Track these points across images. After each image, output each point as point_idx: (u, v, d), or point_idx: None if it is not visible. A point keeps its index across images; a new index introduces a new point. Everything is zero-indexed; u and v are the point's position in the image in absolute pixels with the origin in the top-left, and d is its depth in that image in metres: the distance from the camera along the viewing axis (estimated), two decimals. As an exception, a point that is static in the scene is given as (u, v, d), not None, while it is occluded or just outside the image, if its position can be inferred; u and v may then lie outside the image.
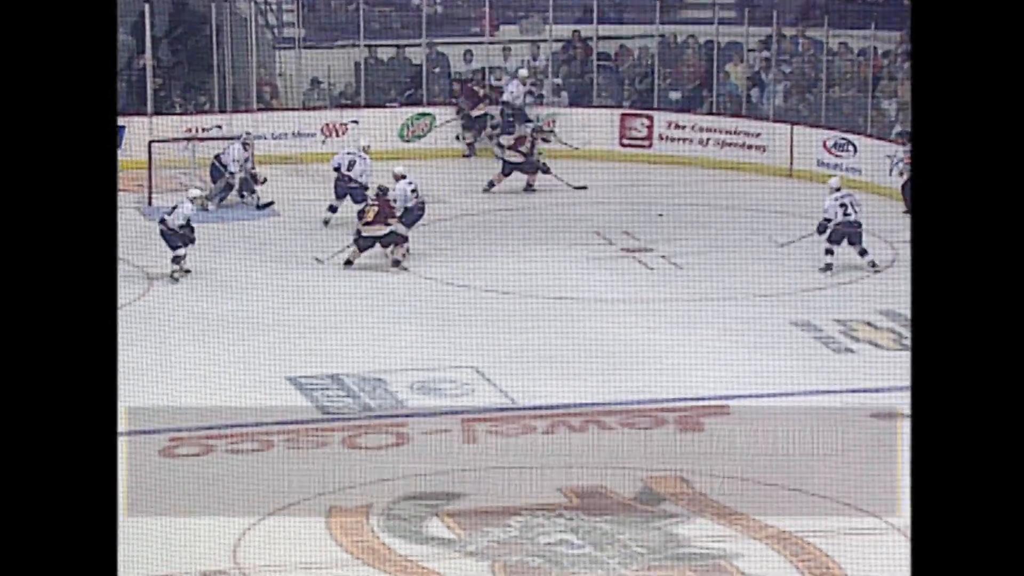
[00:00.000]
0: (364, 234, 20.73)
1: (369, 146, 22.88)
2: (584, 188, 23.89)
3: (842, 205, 20.74)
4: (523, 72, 23.36)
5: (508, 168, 23.95)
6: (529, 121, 25.12)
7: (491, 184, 24.01)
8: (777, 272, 20.58)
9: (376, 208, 20.77)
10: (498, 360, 18.05)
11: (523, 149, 24.03)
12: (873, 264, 20.77)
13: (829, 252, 20.63)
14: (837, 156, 24.63)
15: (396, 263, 20.65)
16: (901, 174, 23.22)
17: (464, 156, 25.64)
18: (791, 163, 24.91)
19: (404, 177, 21.35)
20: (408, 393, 17.39)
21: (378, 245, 20.72)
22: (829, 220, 20.64)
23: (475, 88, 25.90)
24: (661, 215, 22.18)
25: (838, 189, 21.00)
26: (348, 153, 22.71)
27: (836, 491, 14.94)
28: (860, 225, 20.71)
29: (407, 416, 16.87)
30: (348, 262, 20.78)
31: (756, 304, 19.58)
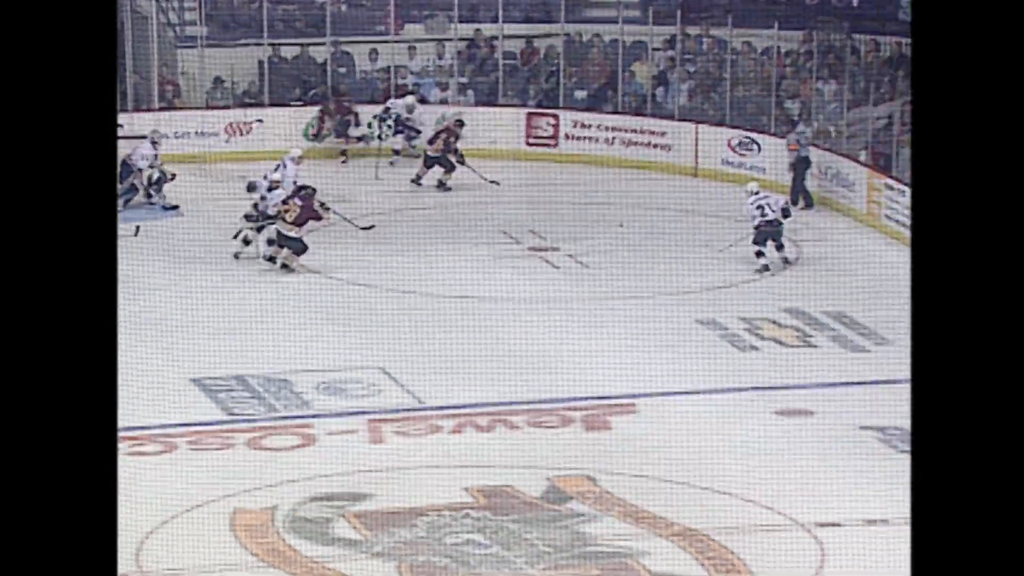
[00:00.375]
0: (285, 233, 20.61)
1: (302, 157, 22.89)
2: (497, 183, 23.94)
3: (759, 207, 20.94)
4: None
5: (430, 161, 24.17)
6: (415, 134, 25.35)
7: (418, 177, 24.24)
8: (683, 271, 20.69)
9: (300, 208, 20.64)
10: (404, 360, 18.04)
11: (439, 144, 24.13)
12: (786, 260, 20.97)
13: (759, 254, 20.81)
14: (741, 155, 24.80)
15: (285, 267, 20.56)
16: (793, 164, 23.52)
17: (342, 162, 25.54)
18: (696, 162, 25.05)
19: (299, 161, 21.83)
20: (314, 394, 17.34)
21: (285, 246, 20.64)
22: (755, 224, 20.85)
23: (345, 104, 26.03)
24: (622, 225, 22.14)
25: (756, 192, 21.18)
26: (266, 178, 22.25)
27: (741, 488, 15.04)
28: (780, 224, 20.93)
29: (313, 417, 16.82)
30: (270, 259, 20.74)
31: (662, 303, 19.68)
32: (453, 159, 24.08)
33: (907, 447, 15.93)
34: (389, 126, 25.31)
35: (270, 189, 21.35)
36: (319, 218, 20.83)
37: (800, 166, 23.31)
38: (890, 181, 22.56)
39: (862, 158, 23.34)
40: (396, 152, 25.28)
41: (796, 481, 15.17)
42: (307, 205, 20.68)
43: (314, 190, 20.97)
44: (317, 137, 25.80)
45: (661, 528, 14.39)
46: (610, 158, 25.43)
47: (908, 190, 22.17)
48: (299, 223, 20.58)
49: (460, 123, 24.60)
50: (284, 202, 20.95)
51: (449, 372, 17.63)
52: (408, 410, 16.98)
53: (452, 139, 24.27)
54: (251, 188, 21.47)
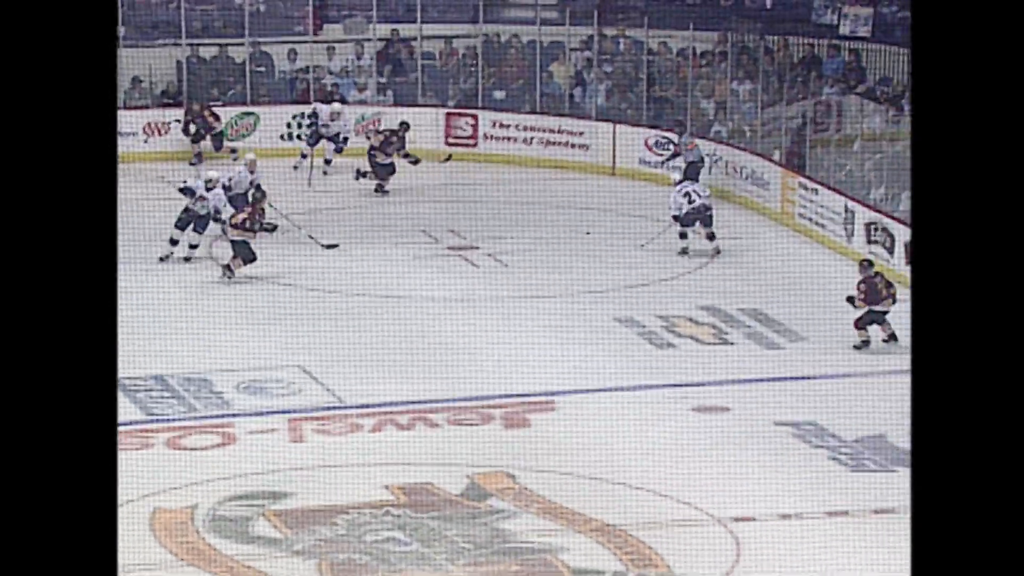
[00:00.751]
0: (234, 239, 20.21)
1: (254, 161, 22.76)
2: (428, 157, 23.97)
3: (685, 194, 21.18)
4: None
5: (383, 170, 23.99)
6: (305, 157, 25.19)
7: (380, 187, 24.00)
8: (600, 269, 20.78)
9: (248, 212, 20.40)
10: (325, 359, 18.01)
11: (388, 150, 23.95)
12: (717, 251, 21.14)
13: (683, 236, 21.08)
14: (658, 154, 24.91)
15: (228, 269, 20.41)
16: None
17: (192, 164, 25.34)
18: (613, 161, 25.14)
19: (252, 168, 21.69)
20: (234, 393, 17.29)
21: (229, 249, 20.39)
22: (677, 215, 21.07)
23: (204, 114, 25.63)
24: (588, 233, 22.13)
25: (680, 181, 21.48)
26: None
27: (658, 484, 15.12)
28: (710, 208, 21.15)
29: (233, 416, 16.76)
30: (228, 268, 20.36)
31: (580, 301, 19.75)
32: (408, 162, 23.90)
33: (820, 442, 16.11)
34: (311, 129, 25.11)
35: (208, 189, 21.14)
36: (272, 229, 20.54)
37: (691, 169, 23.26)
38: (803, 180, 22.72)
39: (776, 157, 23.50)
40: (328, 162, 24.99)
41: (712, 477, 15.27)
42: (258, 211, 20.45)
43: (264, 194, 20.83)
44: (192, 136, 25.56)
45: (579, 524, 14.44)
46: (529, 158, 25.48)
47: (820, 188, 22.36)
48: (251, 230, 20.31)
49: (405, 125, 24.44)
50: (237, 207, 20.76)
51: (369, 371, 17.62)
52: (328, 409, 16.96)
53: (399, 142, 24.09)
54: (187, 192, 21.12)
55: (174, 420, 16.52)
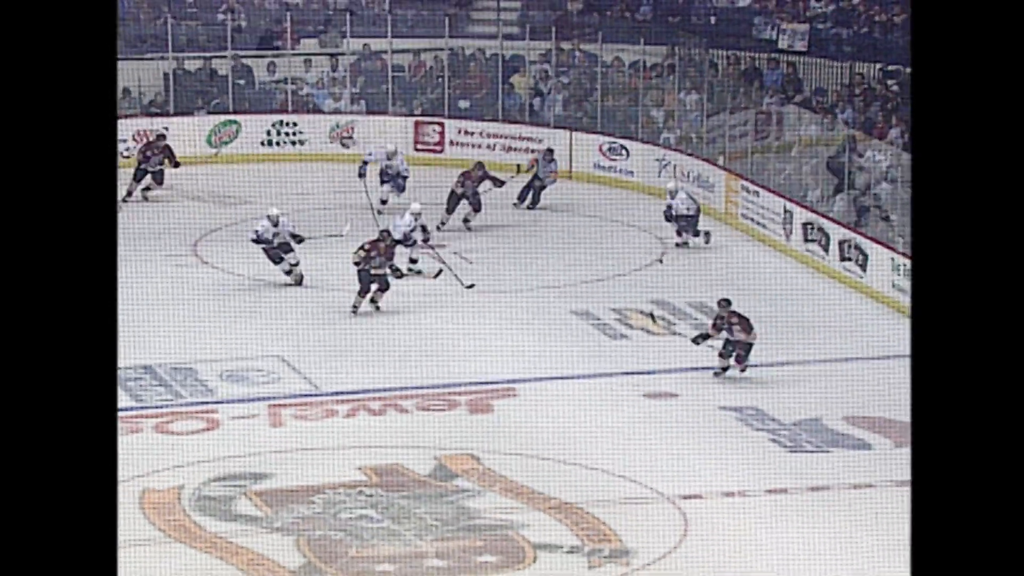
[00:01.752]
0: (368, 270, 19.05)
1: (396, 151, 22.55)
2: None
3: (683, 201, 21.41)
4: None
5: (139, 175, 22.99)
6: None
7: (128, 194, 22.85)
8: (558, 266, 20.77)
9: (380, 245, 19.24)
10: (302, 349, 17.97)
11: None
12: (708, 238, 21.35)
13: (680, 232, 21.25)
14: (612, 159, 24.93)
15: (373, 302, 19.22)
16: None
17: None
18: (570, 166, 25.14)
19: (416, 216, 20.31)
20: (217, 381, 17.23)
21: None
22: (679, 215, 21.11)
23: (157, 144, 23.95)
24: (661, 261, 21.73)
25: (673, 192, 21.56)
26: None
27: (612, 465, 15.13)
28: (698, 211, 21.25)
29: (217, 403, 16.71)
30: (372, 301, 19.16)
31: (540, 295, 19.74)
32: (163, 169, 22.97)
33: (761, 425, 16.14)
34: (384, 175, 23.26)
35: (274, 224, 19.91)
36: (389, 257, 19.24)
37: (536, 183, 23.30)
38: (746, 183, 22.76)
39: (720, 162, 23.54)
40: (384, 202, 22.78)
41: (662, 458, 15.29)
42: (386, 246, 19.22)
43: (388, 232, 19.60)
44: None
45: (539, 502, 14.44)
46: (491, 162, 25.46)
47: (761, 191, 22.41)
48: (378, 261, 19.11)
49: (162, 137, 23.44)
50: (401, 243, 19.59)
51: (343, 360, 17.58)
52: (305, 396, 16.92)
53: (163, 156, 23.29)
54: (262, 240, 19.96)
55: (161, 407, 16.46)
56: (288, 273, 20.02)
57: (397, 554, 13.64)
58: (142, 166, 22.65)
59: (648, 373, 16.78)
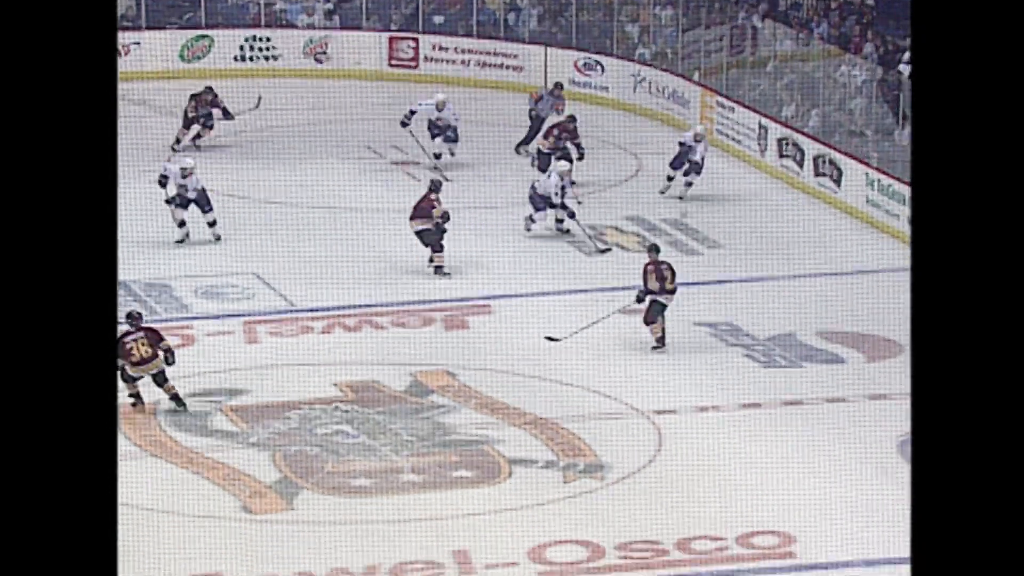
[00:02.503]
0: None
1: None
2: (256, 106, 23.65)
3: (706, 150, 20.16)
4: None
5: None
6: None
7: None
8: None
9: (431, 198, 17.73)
10: (277, 266, 17.93)
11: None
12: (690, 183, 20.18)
13: (688, 176, 20.14)
14: (587, 75, 24.82)
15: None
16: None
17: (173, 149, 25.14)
18: (545, 82, 25.01)
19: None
20: (193, 298, 17.20)
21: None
22: (694, 161, 20.00)
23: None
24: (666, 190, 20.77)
25: (700, 134, 20.36)
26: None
27: (587, 380, 15.18)
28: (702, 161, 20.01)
29: (192, 319, 16.68)
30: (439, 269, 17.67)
31: (516, 212, 19.70)
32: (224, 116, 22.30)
33: (735, 340, 16.19)
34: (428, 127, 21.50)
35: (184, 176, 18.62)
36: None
37: (536, 124, 22.29)
38: (721, 99, 22.70)
39: (695, 77, 23.45)
40: (437, 156, 21.32)
41: (636, 373, 15.34)
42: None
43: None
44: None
45: (514, 418, 14.49)
46: (466, 78, 25.32)
47: (736, 106, 22.34)
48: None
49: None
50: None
51: (319, 277, 17.56)
52: (281, 312, 16.90)
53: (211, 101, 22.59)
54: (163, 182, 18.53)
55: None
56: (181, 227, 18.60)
57: (373, 469, 13.68)
58: (190, 116, 21.94)
59: (623, 289, 16.78)
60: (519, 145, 22.03)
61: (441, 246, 17.70)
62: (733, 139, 22.36)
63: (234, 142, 21.75)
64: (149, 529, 12.37)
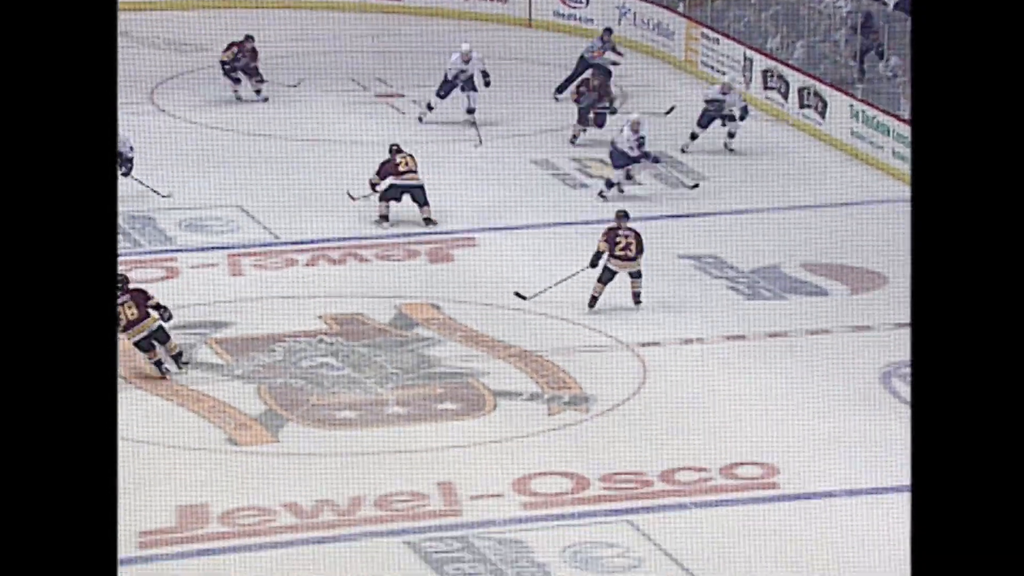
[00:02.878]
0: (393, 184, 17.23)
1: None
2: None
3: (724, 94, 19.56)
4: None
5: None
6: None
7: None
8: (518, 115, 20.62)
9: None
10: (262, 199, 17.88)
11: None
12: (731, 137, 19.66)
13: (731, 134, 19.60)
14: (572, 7, 24.68)
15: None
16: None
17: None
18: (530, 14, 24.89)
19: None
20: (177, 230, 17.16)
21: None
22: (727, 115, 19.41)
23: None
24: (669, 112, 20.05)
25: (728, 85, 19.64)
26: None
27: (571, 313, 15.19)
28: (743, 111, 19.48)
29: (176, 251, 16.65)
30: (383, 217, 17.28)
31: (499, 144, 19.65)
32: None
33: (720, 273, 16.20)
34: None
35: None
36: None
37: (579, 67, 21.83)
38: (705, 30, 22.59)
39: (680, 8, 23.33)
40: (471, 111, 20.15)
41: (620, 305, 15.35)
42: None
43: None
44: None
45: (499, 351, 14.50)
46: (450, 10, 25.17)
47: (721, 38, 22.24)
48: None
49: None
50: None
51: (303, 209, 17.51)
52: (265, 245, 16.87)
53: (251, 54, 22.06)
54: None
55: (121, 255, 16.37)
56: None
57: (358, 401, 13.70)
58: (227, 65, 21.35)
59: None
60: (558, 89, 21.29)
61: (426, 200, 17.27)
62: (718, 71, 22.27)
63: (218, 75, 21.58)
64: (135, 461, 12.38)
